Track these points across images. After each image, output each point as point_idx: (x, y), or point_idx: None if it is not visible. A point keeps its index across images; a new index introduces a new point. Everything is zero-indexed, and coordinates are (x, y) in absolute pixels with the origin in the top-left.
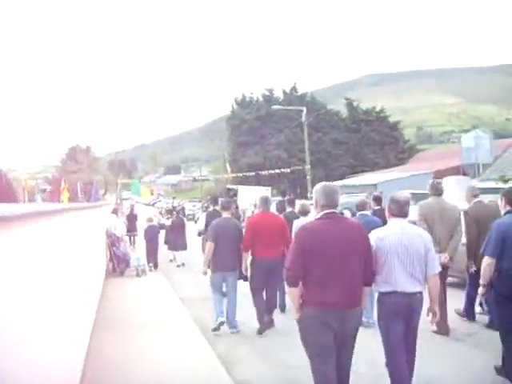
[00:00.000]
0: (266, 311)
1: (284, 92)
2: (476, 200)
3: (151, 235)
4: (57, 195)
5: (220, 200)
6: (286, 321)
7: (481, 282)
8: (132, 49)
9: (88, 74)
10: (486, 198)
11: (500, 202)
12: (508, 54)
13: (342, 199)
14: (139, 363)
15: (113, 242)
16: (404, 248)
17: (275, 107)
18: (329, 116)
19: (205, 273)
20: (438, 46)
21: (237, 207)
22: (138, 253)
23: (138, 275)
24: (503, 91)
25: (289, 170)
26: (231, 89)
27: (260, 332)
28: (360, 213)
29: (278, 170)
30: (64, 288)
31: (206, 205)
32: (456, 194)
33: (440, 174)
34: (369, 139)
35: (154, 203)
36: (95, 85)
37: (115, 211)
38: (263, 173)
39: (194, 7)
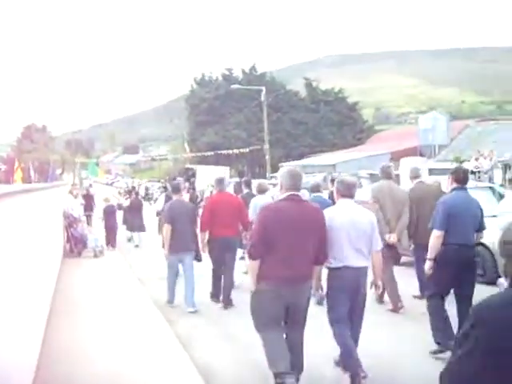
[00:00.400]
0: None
1: (243, 71)
2: (417, 181)
3: (109, 215)
4: (11, 175)
5: (170, 183)
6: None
7: (428, 256)
8: (90, 25)
9: (45, 51)
10: (442, 179)
11: (448, 179)
12: (466, 37)
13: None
14: (96, 347)
15: (70, 222)
16: (352, 226)
17: (234, 87)
18: (288, 96)
19: (167, 256)
20: (398, 28)
21: (193, 189)
22: (95, 233)
23: (95, 256)
24: (460, 74)
25: (248, 150)
26: (190, 68)
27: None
28: (314, 194)
29: (236, 150)
30: (18, 271)
31: (164, 185)
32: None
33: (397, 155)
34: (328, 119)
35: (113, 183)
36: (52, 63)
37: (72, 192)
38: (222, 152)
39: None
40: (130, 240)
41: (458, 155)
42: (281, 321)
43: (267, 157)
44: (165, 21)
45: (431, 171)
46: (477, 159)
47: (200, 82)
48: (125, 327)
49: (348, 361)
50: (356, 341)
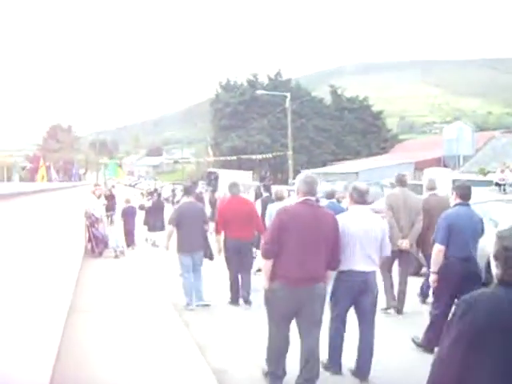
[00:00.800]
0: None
1: (269, 77)
2: (431, 193)
3: (128, 216)
4: (36, 173)
5: (184, 185)
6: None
7: (431, 269)
8: (117, 29)
9: (74, 53)
10: None
11: (451, 195)
12: (492, 48)
13: (323, 187)
14: (113, 348)
15: (92, 222)
16: (364, 233)
17: (259, 92)
18: (313, 103)
19: (167, 248)
20: (424, 37)
21: (212, 192)
22: (115, 233)
23: (116, 256)
24: (486, 85)
25: (271, 156)
26: (216, 72)
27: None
28: (329, 201)
29: (259, 156)
30: (39, 270)
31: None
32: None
33: (421, 165)
34: (352, 127)
35: (135, 184)
36: (80, 65)
37: (94, 192)
38: (245, 157)
39: None
40: (147, 240)
41: (482, 167)
42: (290, 320)
43: (290, 163)
44: (192, 25)
45: (455, 182)
46: (502, 171)
47: (225, 87)
48: (142, 328)
49: (332, 355)
50: (370, 343)
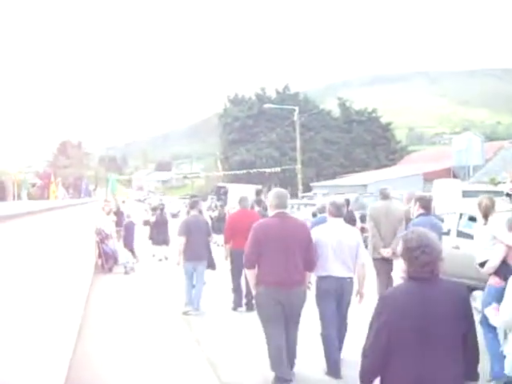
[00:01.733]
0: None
1: (277, 91)
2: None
3: (128, 231)
4: (47, 190)
5: (190, 200)
6: None
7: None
8: (125, 45)
9: (81, 70)
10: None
11: (413, 206)
12: (500, 57)
13: (334, 198)
14: (123, 362)
15: (102, 239)
16: (338, 242)
17: (267, 106)
18: (321, 116)
19: (178, 263)
20: (431, 48)
21: (221, 206)
22: (125, 249)
23: (126, 272)
24: (494, 94)
25: (280, 169)
26: (224, 87)
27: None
28: (320, 215)
29: (269, 169)
30: (51, 287)
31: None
32: (445, 196)
33: (430, 176)
34: (360, 139)
35: (145, 199)
36: (88, 81)
37: (104, 208)
38: (254, 171)
39: (188, 5)
40: (154, 255)
41: (492, 177)
42: (280, 319)
43: (299, 176)
44: (200, 39)
45: (465, 193)
46: None
47: (233, 101)
48: (152, 343)
49: (328, 352)
50: (341, 341)
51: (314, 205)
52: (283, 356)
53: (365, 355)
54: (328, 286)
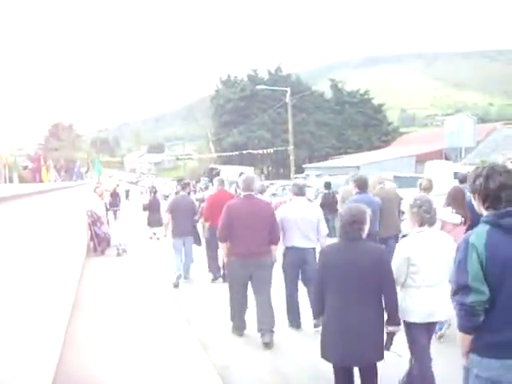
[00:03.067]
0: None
1: (269, 72)
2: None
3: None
4: (38, 173)
5: (179, 182)
6: None
7: None
8: (116, 26)
9: (72, 51)
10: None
11: (352, 186)
12: (494, 39)
13: (325, 179)
14: (115, 346)
15: (94, 221)
16: (301, 218)
17: (260, 87)
18: (313, 97)
19: (165, 235)
20: (425, 29)
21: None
22: (118, 231)
23: (118, 255)
24: (487, 76)
25: (272, 151)
26: (216, 68)
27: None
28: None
29: (261, 151)
30: (43, 269)
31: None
32: (437, 177)
33: (422, 158)
34: (353, 121)
35: (137, 181)
36: (80, 63)
37: (96, 190)
38: (247, 152)
39: None
40: (151, 238)
41: (484, 159)
42: (245, 284)
43: (291, 158)
44: (191, 21)
45: (457, 175)
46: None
47: (225, 83)
48: (144, 325)
49: (290, 314)
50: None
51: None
52: (242, 311)
53: (313, 292)
54: (292, 255)
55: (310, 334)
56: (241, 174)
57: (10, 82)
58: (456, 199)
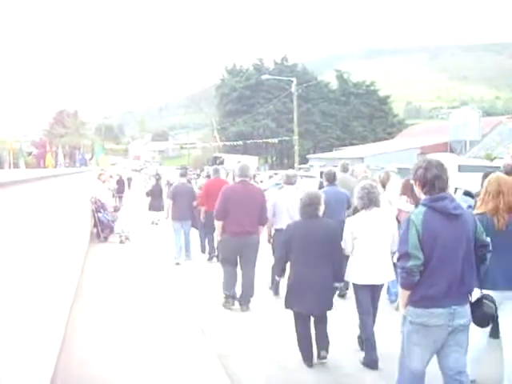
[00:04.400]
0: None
1: (275, 62)
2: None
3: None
4: (42, 159)
5: (179, 169)
6: None
7: None
8: (122, 14)
9: (79, 40)
10: (473, 176)
11: (323, 179)
12: (499, 32)
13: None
14: (117, 330)
15: (97, 207)
16: (290, 203)
17: (265, 77)
18: (319, 87)
19: (166, 218)
20: (431, 22)
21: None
22: (122, 218)
23: (121, 242)
24: (493, 69)
25: (277, 140)
26: (222, 57)
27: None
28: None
29: (265, 140)
30: (46, 255)
31: (196, 173)
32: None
33: (427, 150)
34: (358, 112)
35: (141, 169)
36: (86, 50)
37: (100, 177)
38: (251, 142)
39: None
40: (153, 223)
41: (489, 152)
42: (236, 260)
43: (296, 148)
44: (197, 10)
45: (461, 167)
46: None
47: (231, 72)
48: (146, 312)
49: (274, 286)
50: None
51: (310, 176)
52: (233, 283)
53: (275, 259)
54: (281, 236)
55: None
56: (238, 162)
57: (15, 68)
58: (409, 189)
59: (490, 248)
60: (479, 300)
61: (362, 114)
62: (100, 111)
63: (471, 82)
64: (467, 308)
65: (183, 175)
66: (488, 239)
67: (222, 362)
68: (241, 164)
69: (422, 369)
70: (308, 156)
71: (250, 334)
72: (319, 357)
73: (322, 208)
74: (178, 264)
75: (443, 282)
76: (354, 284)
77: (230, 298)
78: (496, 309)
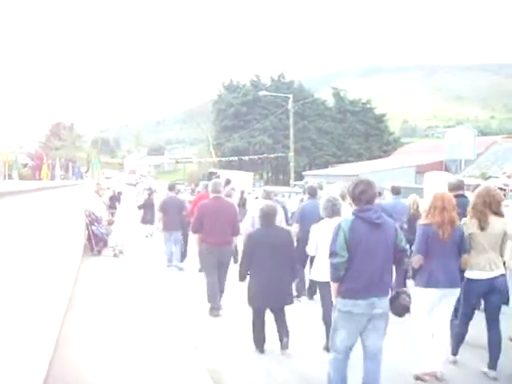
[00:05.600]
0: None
1: (271, 78)
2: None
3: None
4: (38, 171)
5: (169, 184)
6: None
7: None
8: (120, 29)
9: (76, 53)
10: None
11: (304, 195)
12: (496, 53)
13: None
14: (110, 343)
15: (91, 221)
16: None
17: (262, 93)
18: (315, 105)
19: (157, 229)
20: (427, 42)
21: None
22: (116, 232)
23: (115, 255)
24: (489, 89)
25: (272, 156)
26: (219, 73)
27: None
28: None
29: (261, 156)
30: (39, 267)
31: (191, 187)
32: (436, 188)
33: (423, 169)
34: (354, 130)
35: (137, 183)
36: (82, 63)
37: (97, 191)
38: (247, 158)
39: None
40: (147, 236)
41: (483, 171)
42: (215, 267)
43: (291, 164)
44: (196, 25)
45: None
46: (509, 176)
47: (228, 87)
48: (139, 324)
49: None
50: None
51: (299, 193)
52: (216, 293)
53: (240, 264)
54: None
55: (301, 340)
56: (214, 178)
57: (11, 79)
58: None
59: (408, 253)
60: (397, 294)
61: (358, 132)
62: (96, 124)
63: (467, 102)
64: (385, 300)
65: (171, 189)
66: (407, 246)
67: (213, 376)
68: (213, 181)
69: (346, 348)
70: (304, 173)
71: (241, 347)
72: (282, 345)
73: (277, 218)
74: (169, 266)
75: (364, 277)
76: (318, 282)
77: (214, 310)
78: (410, 302)
